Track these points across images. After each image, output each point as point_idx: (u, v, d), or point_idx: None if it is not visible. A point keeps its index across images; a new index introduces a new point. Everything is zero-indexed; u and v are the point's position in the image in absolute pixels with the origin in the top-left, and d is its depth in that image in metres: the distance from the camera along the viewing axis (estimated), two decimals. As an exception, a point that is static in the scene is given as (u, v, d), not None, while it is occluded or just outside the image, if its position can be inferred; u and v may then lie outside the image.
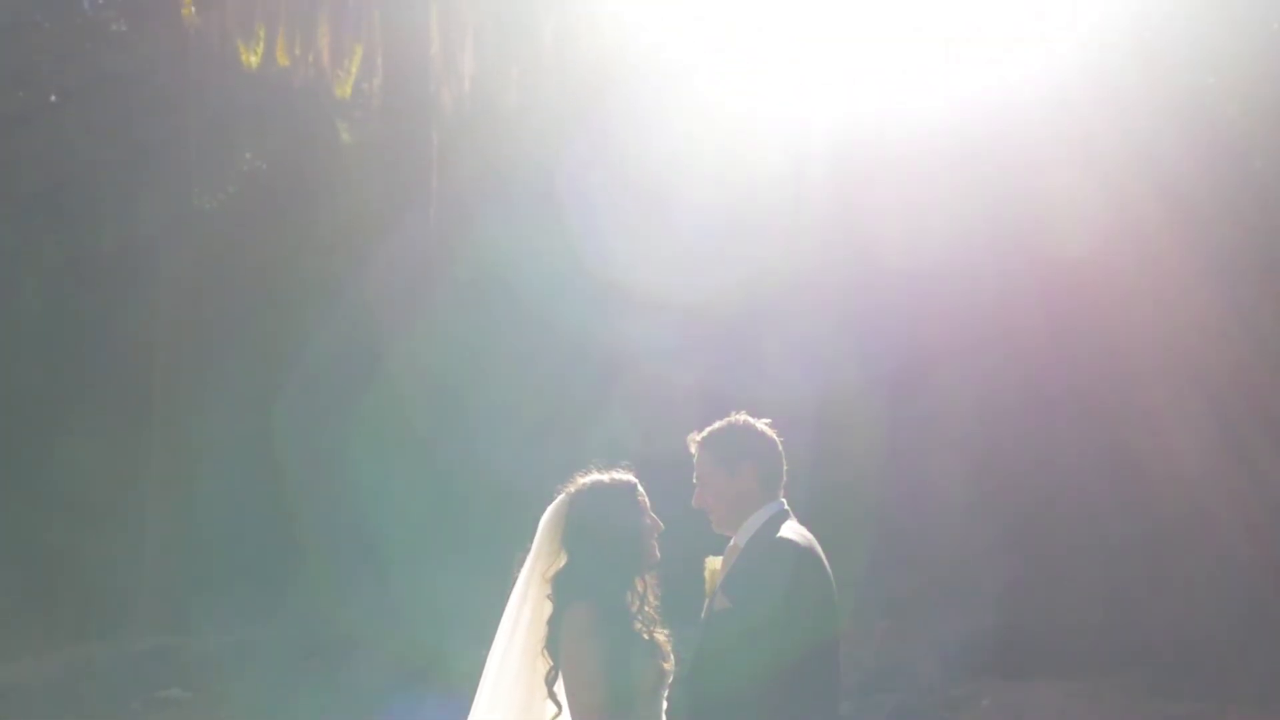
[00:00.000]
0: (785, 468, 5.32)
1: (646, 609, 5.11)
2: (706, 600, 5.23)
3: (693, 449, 5.30)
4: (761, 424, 5.33)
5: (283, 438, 19.22)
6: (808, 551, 5.10)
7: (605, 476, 5.18)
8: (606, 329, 17.66)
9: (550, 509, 5.21)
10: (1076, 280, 15.72)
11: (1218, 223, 15.01)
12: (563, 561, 5.09)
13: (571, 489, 5.19)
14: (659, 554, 5.18)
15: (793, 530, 5.15)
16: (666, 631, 5.17)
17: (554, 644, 4.99)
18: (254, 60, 17.40)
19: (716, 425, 5.32)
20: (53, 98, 22.17)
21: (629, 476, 5.20)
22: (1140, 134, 15.47)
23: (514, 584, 5.20)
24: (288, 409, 19.20)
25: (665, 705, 5.16)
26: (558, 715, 5.04)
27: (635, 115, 18.10)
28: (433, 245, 18.43)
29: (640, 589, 5.10)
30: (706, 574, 5.32)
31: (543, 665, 5.06)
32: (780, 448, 5.32)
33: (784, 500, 5.27)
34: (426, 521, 17.42)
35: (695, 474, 5.28)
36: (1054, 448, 16.02)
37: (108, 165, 21.07)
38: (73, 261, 21.72)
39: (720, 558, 5.29)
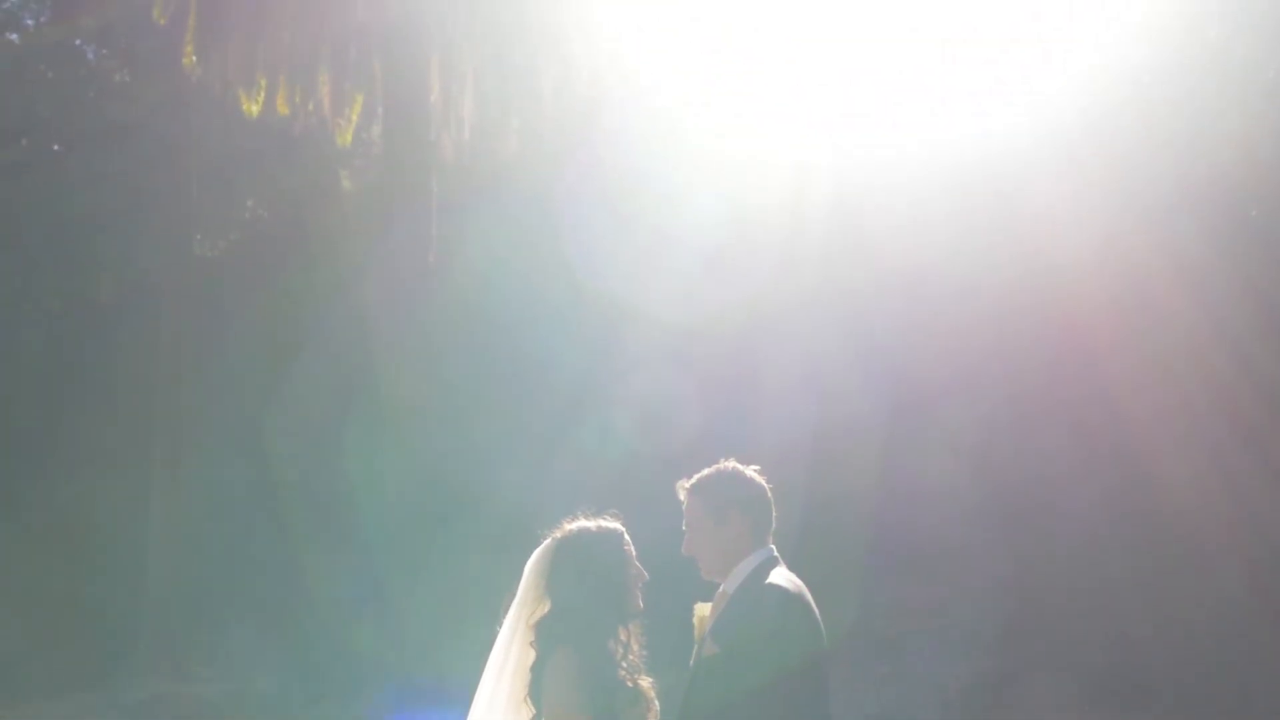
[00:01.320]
0: (774, 514, 5.34)
1: (631, 657, 5.10)
2: (695, 646, 5.24)
3: (681, 496, 5.32)
4: (750, 470, 5.35)
5: (284, 480, 19.25)
6: (797, 598, 5.11)
7: (592, 524, 5.17)
8: (607, 369, 17.72)
9: (536, 554, 5.20)
10: (1073, 323, 15.77)
11: (1214, 268, 15.07)
12: (546, 608, 5.08)
13: (558, 534, 5.20)
14: (642, 603, 5.18)
15: (782, 577, 5.16)
16: (651, 679, 5.16)
17: (537, 691, 4.96)
18: (254, 109, 17.48)
19: (705, 472, 5.34)
20: (55, 146, 22.30)
21: (616, 524, 5.20)
22: (1136, 178, 15.57)
23: (500, 628, 5.20)
24: (289, 452, 19.24)
25: (652, 752, 5.16)
26: None
27: (635, 159, 18.19)
28: (433, 289, 18.49)
29: (624, 637, 5.09)
30: (695, 620, 5.33)
31: (527, 713, 5.03)
32: (769, 494, 5.33)
33: (773, 547, 5.29)
34: (433, 561, 17.41)
35: (684, 521, 5.30)
36: (1053, 490, 16.02)
37: (109, 213, 21.17)
38: (74, 306, 21.78)
39: (709, 604, 5.31)
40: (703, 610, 5.34)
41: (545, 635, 5.02)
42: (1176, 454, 15.13)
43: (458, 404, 18.45)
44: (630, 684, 5.05)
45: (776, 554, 5.27)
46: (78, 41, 22.28)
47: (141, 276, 20.79)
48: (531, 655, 5.04)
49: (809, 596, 5.16)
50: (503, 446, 18.30)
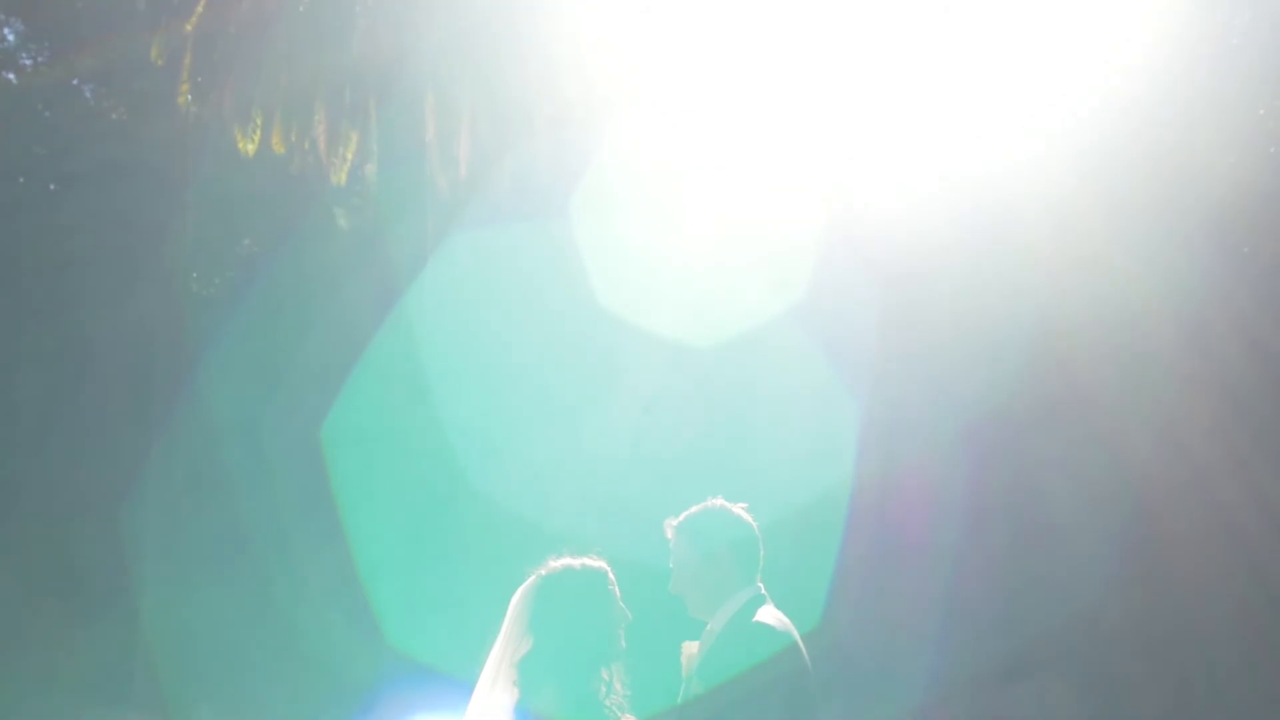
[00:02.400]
0: (762, 553, 5.33)
1: (613, 696, 5.08)
2: (683, 684, 5.23)
3: (669, 534, 5.31)
4: (737, 509, 5.35)
5: (283, 522, 19.23)
6: (785, 636, 5.11)
7: (576, 563, 5.16)
8: (602, 401, 17.75)
9: (519, 592, 5.19)
10: (1071, 358, 15.81)
11: (1208, 300, 15.11)
12: (530, 646, 5.07)
13: (542, 573, 5.19)
14: (625, 644, 5.16)
15: (769, 615, 5.16)
16: (633, 719, 5.15)
17: None
18: (250, 148, 17.52)
19: (692, 510, 5.34)
20: (52, 185, 22.34)
21: (600, 564, 5.19)
22: (1134, 211, 15.64)
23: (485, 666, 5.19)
24: (287, 496, 19.21)
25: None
26: None
27: (629, 195, 18.25)
28: (430, 325, 18.51)
29: (607, 677, 5.07)
30: (683, 659, 5.32)
31: (510, 752, 5.04)
32: (756, 533, 5.33)
33: (761, 585, 5.28)
34: (436, 611, 17.42)
35: (671, 559, 5.29)
36: (1055, 559, 16.04)
37: (106, 251, 21.20)
38: (70, 346, 21.78)
39: (697, 642, 5.30)
40: (690, 648, 5.32)
41: (528, 674, 5.01)
42: (1175, 504, 15.14)
43: (457, 438, 18.44)
44: (614, 723, 5.03)
45: (764, 592, 5.26)
46: (76, 81, 22.36)
47: (137, 314, 20.79)
48: (515, 694, 5.02)
49: (796, 635, 5.15)
50: (505, 487, 18.31)
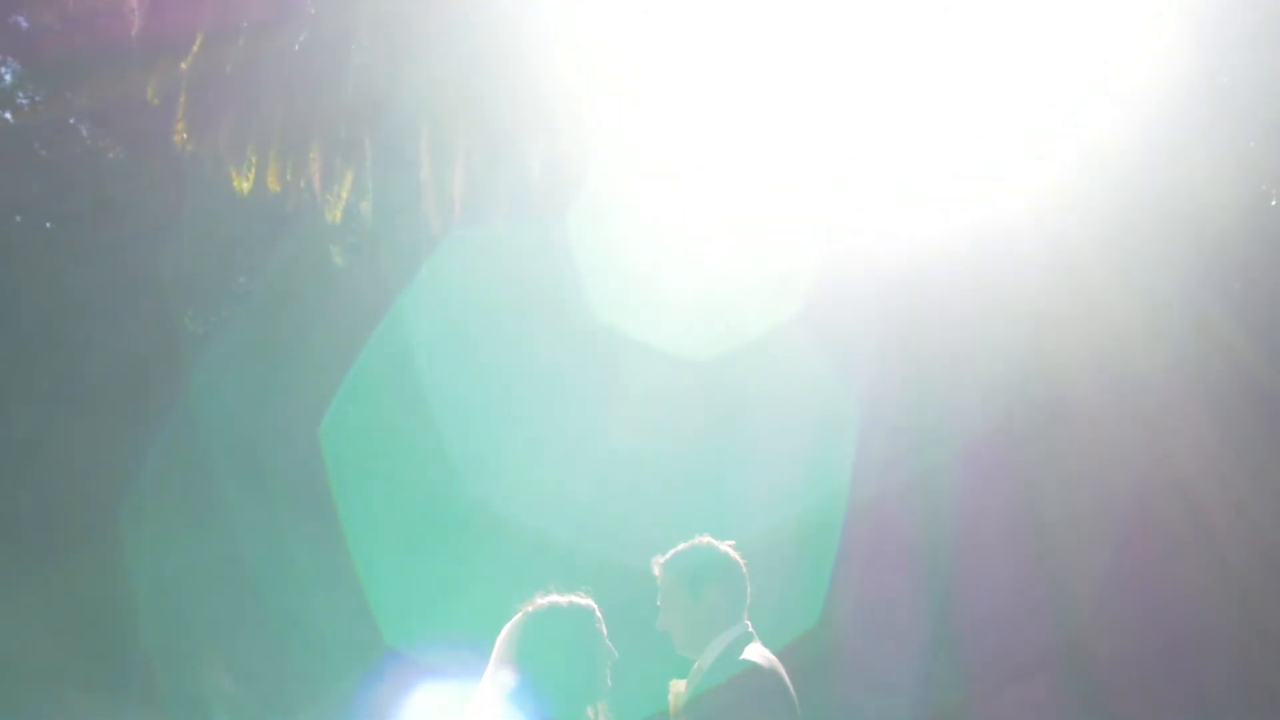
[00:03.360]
0: (749, 590, 5.34)
1: None
2: (670, 723, 5.24)
3: (655, 571, 5.32)
4: (724, 546, 5.36)
5: (283, 560, 19.25)
6: (771, 674, 5.12)
7: (564, 600, 5.17)
8: (595, 439, 17.78)
9: (508, 627, 5.20)
10: (1068, 403, 15.85)
11: (1205, 348, 15.16)
12: (516, 682, 5.06)
13: (530, 609, 5.19)
14: (610, 682, 5.16)
15: (757, 653, 5.16)
16: (619, 756, 5.16)
17: None
18: (245, 186, 17.57)
19: (679, 548, 5.35)
20: (49, 224, 22.39)
21: (588, 602, 5.20)
22: (1127, 257, 15.70)
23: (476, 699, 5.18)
24: (283, 529, 19.23)
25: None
26: None
27: (623, 231, 18.30)
28: (425, 363, 18.54)
29: (593, 715, 5.07)
30: (671, 697, 5.32)
31: (495, 788, 5.02)
32: (744, 570, 5.34)
33: (748, 623, 5.29)
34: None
35: (659, 596, 5.30)
36: (1052, 564, 16.04)
37: (101, 289, 21.23)
38: (65, 383, 21.79)
39: (684, 680, 5.30)
40: (678, 686, 5.32)
41: (515, 712, 5.00)
42: (1173, 542, 15.16)
43: (455, 475, 18.46)
44: (599, 762, 5.03)
45: (751, 630, 5.27)
46: (72, 120, 22.44)
47: (132, 352, 20.82)
48: None
49: (783, 672, 5.16)
50: (505, 521, 18.32)
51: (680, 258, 17.90)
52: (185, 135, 17.77)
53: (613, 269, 18.01)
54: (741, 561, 5.33)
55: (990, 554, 15.89)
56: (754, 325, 17.54)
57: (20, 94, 22.73)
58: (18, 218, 22.50)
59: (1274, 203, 15.10)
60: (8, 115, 22.48)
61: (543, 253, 18.37)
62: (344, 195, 18.07)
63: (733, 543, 5.37)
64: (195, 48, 17.26)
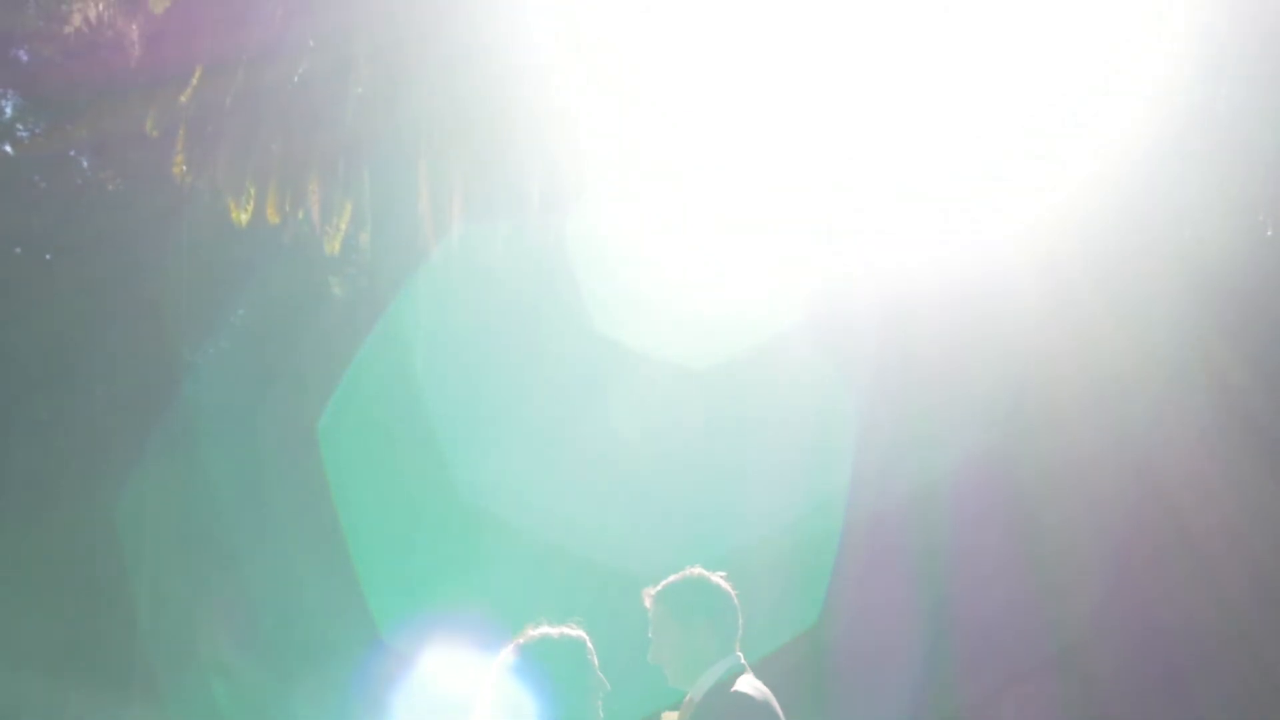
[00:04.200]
0: (741, 621, 5.33)
1: None
2: (664, 756, 5.22)
3: (647, 603, 5.31)
4: (716, 577, 5.35)
5: (283, 597, 19.25)
6: (764, 706, 5.11)
7: (555, 631, 5.17)
8: (597, 467, 17.81)
9: (498, 660, 5.19)
10: (1062, 429, 15.87)
11: (1201, 376, 15.17)
12: (508, 713, 5.06)
13: (520, 640, 5.18)
14: (602, 714, 5.15)
15: (749, 685, 5.16)
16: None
17: None
18: (244, 218, 17.62)
19: (671, 579, 5.35)
20: (48, 255, 22.43)
21: (579, 633, 5.20)
22: (1123, 285, 15.73)
23: None
24: (284, 557, 19.23)
25: None
26: None
27: (623, 264, 18.33)
28: (423, 396, 18.54)
29: None
30: (663, 730, 5.32)
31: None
32: (735, 601, 5.34)
33: (740, 654, 5.28)
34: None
35: (650, 628, 5.29)
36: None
37: (100, 321, 21.26)
38: (64, 415, 21.80)
39: (676, 712, 5.29)
40: (670, 718, 5.31)
41: None
42: (1172, 580, 15.16)
43: (452, 510, 18.47)
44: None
45: (744, 661, 5.26)
46: (72, 152, 22.51)
47: (132, 385, 20.84)
48: None
49: (775, 704, 5.15)
50: (504, 552, 18.33)
51: (679, 269, 17.95)
52: (184, 167, 17.83)
53: (611, 280, 18.06)
54: (733, 592, 5.33)
55: (984, 567, 15.93)
56: (753, 336, 17.61)
57: (20, 126, 22.83)
58: (18, 249, 22.54)
59: (1270, 233, 15.13)
60: (8, 148, 22.56)
61: (541, 266, 18.44)
62: (343, 226, 18.10)
63: (724, 574, 5.36)
64: (194, 80, 17.33)
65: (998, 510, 16.09)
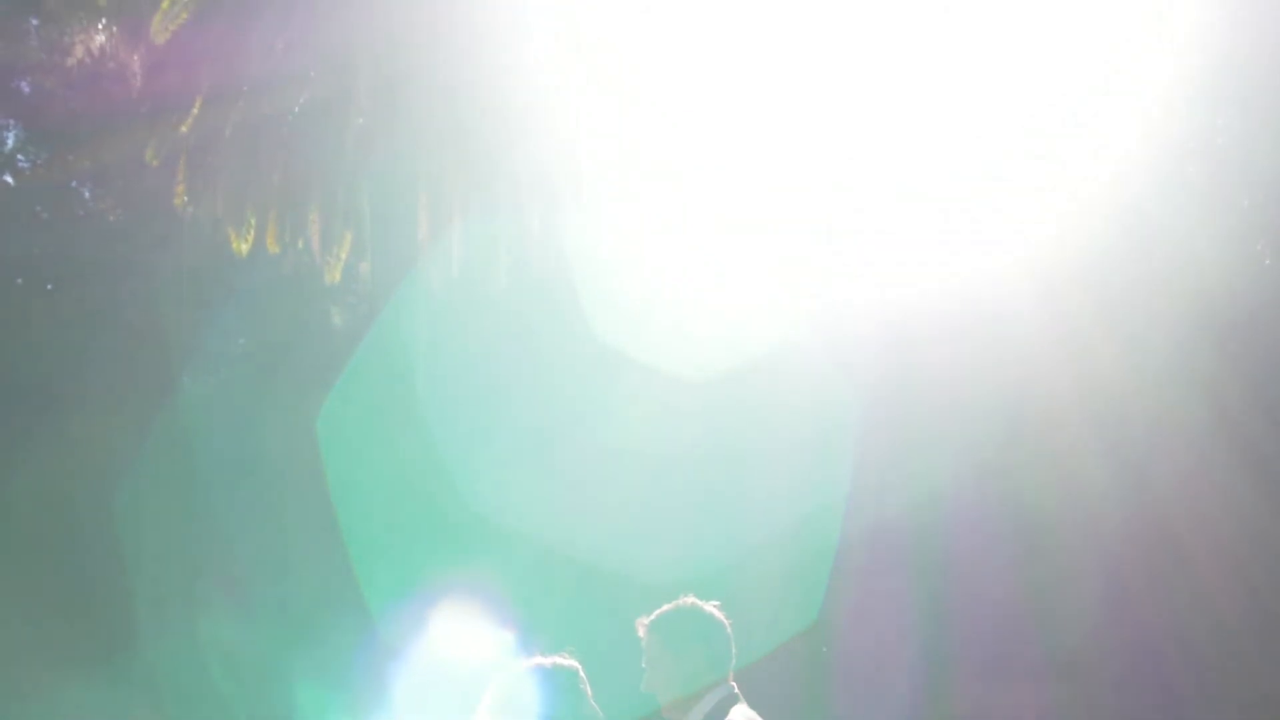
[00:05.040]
0: (734, 650, 5.33)
1: None
2: (656, 785, 5.21)
3: (641, 633, 5.31)
4: (709, 606, 5.35)
5: (283, 632, 19.26)
6: (757, 736, 5.10)
7: (547, 661, 5.17)
8: (598, 476, 17.84)
9: (491, 689, 5.18)
10: (1062, 462, 15.88)
11: (1200, 405, 15.17)
12: None
13: (514, 670, 5.17)
14: None
15: (742, 715, 5.15)
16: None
17: None
18: (244, 247, 17.65)
19: (664, 609, 5.35)
20: (49, 285, 22.46)
21: (572, 662, 5.20)
22: (1122, 313, 15.76)
23: None
24: (287, 587, 19.23)
25: None
26: None
27: (625, 290, 18.36)
28: (424, 428, 18.55)
29: None
30: (657, 758, 5.30)
31: None
32: (729, 630, 5.33)
33: (734, 684, 5.27)
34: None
35: (644, 658, 5.28)
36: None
37: (102, 351, 21.28)
38: (65, 446, 21.79)
39: (672, 731, 5.28)
40: (668, 740, 5.31)
41: None
42: (1169, 605, 15.14)
43: (452, 545, 18.47)
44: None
45: (736, 691, 5.25)
46: (73, 182, 22.57)
47: (132, 415, 20.84)
48: None
49: (768, 733, 5.14)
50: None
51: (679, 286, 18.00)
52: (185, 197, 17.85)
53: (612, 300, 18.12)
54: (727, 622, 5.32)
55: (980, 584, 15.94)
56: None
57: (21, 157, 22.89)
58: (19, 279, 22.57)
59: (1268, 261, 15.15)
60: (9, 178, 22.62)
61: (543, 289, 18.50)
62: (343, 256, 18.11)
63: (718, 603, 5.35)
64: (195, 110, 17.36)
65: (995, 526, 16.10)
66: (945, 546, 16.36)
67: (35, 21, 22.34)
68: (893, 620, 16.36)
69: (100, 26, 20.12)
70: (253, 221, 17.59)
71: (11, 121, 22.47)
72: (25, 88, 22.38)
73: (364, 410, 19.21)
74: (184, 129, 17.51)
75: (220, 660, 19.32)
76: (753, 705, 5.11)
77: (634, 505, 17.52)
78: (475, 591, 16.61)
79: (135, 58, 19.75)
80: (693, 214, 18.18)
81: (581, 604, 17.04)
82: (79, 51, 20.24)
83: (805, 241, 18.11)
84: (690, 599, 5.35)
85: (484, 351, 19.03)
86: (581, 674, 5.18)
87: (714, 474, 17.55)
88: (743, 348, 17.73)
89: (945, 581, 16.23)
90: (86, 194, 22.89)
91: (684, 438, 17.75)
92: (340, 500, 18.74)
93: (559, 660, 5.18)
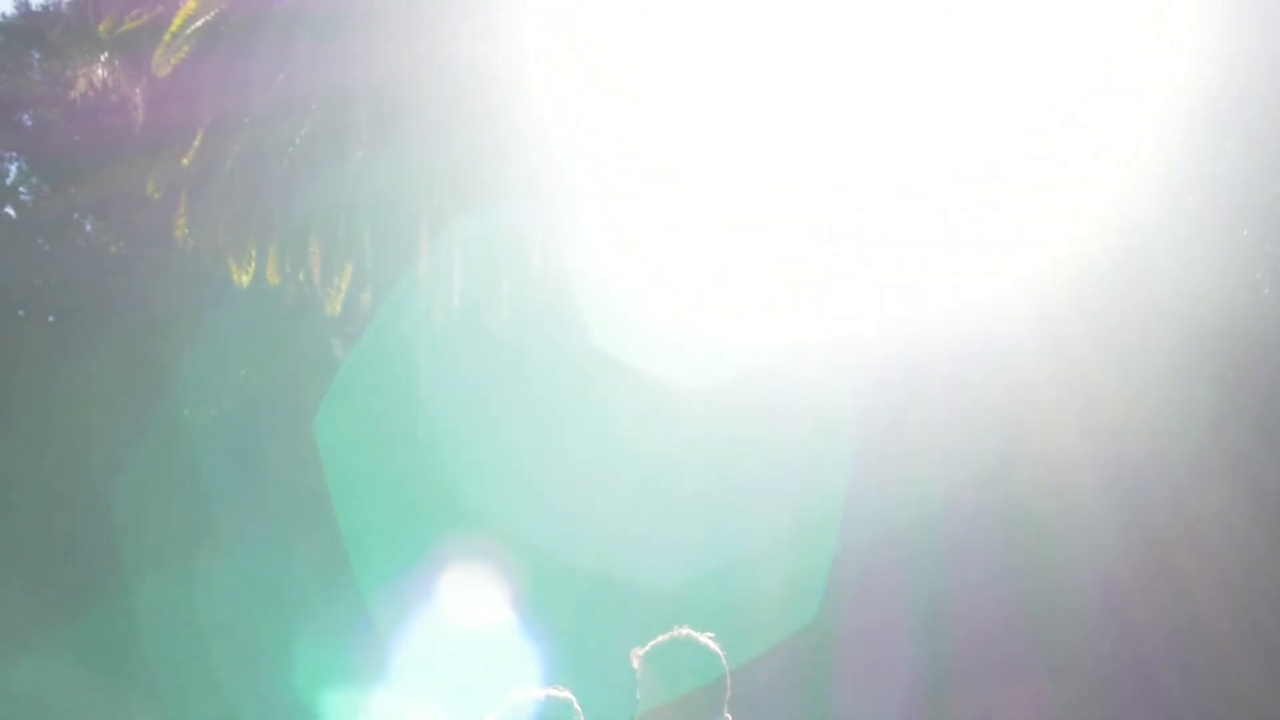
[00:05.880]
0: (729, 681, 5.29)
1: None
2: (650, 818, 5.16)
3: (635, 664, 5.28)
4: (704, 638, 5.32)
5: (286, 662, 19.25)
6: (752, 768, 5.07)
7: (541, 693, 5.15)
8: (595, 529, 17.81)
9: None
10: (1063, 495, 15.88)
11: (1198, 436, 15.16)
12: None
13: (507, 703, 5.15)
14: None
15: (737, 747, 5.12)
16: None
17: None
18: (245, 279, 17.68)
19: (659, 640, 5.32)
20: (51, 318, 22.50)
21: (565, 694, 5.18)
22: (1119, 342, 15.76)
23: None
24: (287, 616, 19.23)
25: None
26: None
27: (626, 305, 18.38)
28: (425, 459, 18.53)
29: None
30: (650, 792, 5.26)
31: None
32: (724, 662, 5.30)
33: (728, 716, 5.24)
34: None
35: (638, 690, 5.25)
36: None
37: (103, 383, 21.29)
38: (64, 480, 21.79)
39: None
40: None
41: None
42: (1165, 632, 15.13)
43: (453, 576, 18.46)
44: None
45: (731, 721, 5.23)
46: (75, 215, 22.63)
47: (134, 446, 20.85)
48: None
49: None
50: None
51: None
52: (186, 229, 17.89)
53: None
54: (722, 654, 5.28)
55: (976, 611, 15.93)
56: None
57: (23, 189, 22.97)
58: (21, 311, 22.61)
59: (1267, 290, 15.17)
60: (11, 210, 22.69)
61: (543, 317, 18.55)
62: (343, 287, 18.12)
63: (712, 635, 5.32)
64: (196, 142, 17.41)
65: (990, 551, 16.09)
66: (943, 557, 16.36)
67: (38, 55, 22.44)
68: (890, 628, 16.35)
69: (102, 60, 20.19)
70: (254, 253, 17.63)
71: (14, 154, 22.55)
72: (27, 121, 22.48)
73: (364, 420, 19.25)
74: (185, 161, 17.56)
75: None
76: (753, 706, 5.09)
77: (635, 509, 17.57)
78: (477, 591, 16.74)
79: (137, 91, 19.82)
80: (692, 222, 18.20)
81: (582, 606, 17.08)
82: (81, 85, 20.31)
83: (806, 250, 18.15)
84: (685, 630, 5.32)
85: (484, 356, 19.06)
86: (576, 706, 5.16)
87: (714, 481, 17.58)
88: (743, 356, 17.77)
89: (942, 590, 16.24)
90: (88, 226, 22.96)
91: (684, 444, 17.77)
92: (345, 520, 18.79)
93: (552, 692, 5.16)
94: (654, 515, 17.47)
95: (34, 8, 23.29)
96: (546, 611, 16.97)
